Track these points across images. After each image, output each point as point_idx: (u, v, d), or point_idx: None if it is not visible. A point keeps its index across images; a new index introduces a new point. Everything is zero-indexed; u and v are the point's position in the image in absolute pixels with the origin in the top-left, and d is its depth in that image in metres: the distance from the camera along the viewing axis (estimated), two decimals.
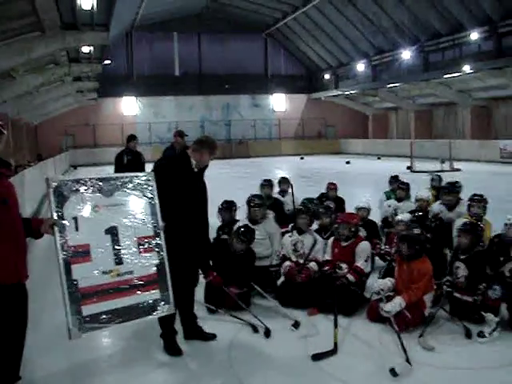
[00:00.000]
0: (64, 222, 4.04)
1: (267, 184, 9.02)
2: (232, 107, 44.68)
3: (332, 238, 6.78)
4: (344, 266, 6.37)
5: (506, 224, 5.99)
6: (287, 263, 6.77)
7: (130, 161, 10.58)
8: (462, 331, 5.45)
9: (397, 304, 5.53)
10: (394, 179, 9.90)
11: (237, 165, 33.18)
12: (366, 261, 6.46)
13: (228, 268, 6.38)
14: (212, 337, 5.51)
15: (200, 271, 5.80)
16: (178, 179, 5.05)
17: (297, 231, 6.91)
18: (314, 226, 7.69)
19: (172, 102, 42.87)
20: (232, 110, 44.68)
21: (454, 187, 8.07)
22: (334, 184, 9.74)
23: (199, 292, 5.80)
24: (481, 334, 5.30)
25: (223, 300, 6.27)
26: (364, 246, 6.53)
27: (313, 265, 6.61)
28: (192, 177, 5.16)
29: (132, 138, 11.13)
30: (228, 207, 7.94)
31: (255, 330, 5.65)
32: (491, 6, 27.44)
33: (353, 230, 6.59)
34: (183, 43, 43.13)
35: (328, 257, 6.65)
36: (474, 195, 7.38)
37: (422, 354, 5.06)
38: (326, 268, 6.52)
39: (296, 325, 5.73)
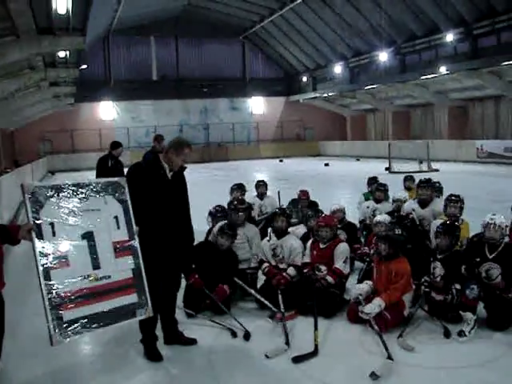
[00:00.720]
0: (41, 227, 4.02)
1: (237, 188, 9.01)
2: (210, 111, 44.63)
3: (310, 241, 6.79)
4: (323, 267, 6.38)
5: (487, 223, 5.95)
6: (266, 265, 6.77)
7: (113, 165, 10.54)
8: (441, 330, 5.49)
9: (376, 305, 5.56)
10: (373, 180, 9.94)
11: (216, 168, 33.17)
12: (344, 262, 6.46)
13: (212, 268, 6.38)
14: (192, 341, 5.49)
15: (182, 275, 5.80)
16: (149, 184, 5.02)
17: (275, 235, 6.90)
18: (302, 229, 7.73)
19: (150, 106, 42.71)
20: (210, 113, 44.63)
21: (430, 182, 8.11)
22: (305, 193, 9.40)
23: (179, 297, 5.77)
24: (461, 334, 5.35)
25: (203, 303, 6.26)
26: (342, 248, 6.53)
27: (290, 270, 6.58)
28: (163, 181, 5.11)
29: (118, 144, 11.08)
30: (222, 211, 7.92)
31: (234, 334, 5.64)
32: (465, 7, 27.76)
33: (333, 232, 6.62)
34: (160, 47, 43.03)
35: (307, 259, 6.65)
36: (451, 195, 7.42)
37: (401, 354, 5.08)
38: (305, 270, 6.53)
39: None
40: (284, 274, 6.53)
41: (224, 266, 6.50)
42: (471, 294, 5.59)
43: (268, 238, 7.00)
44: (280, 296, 6.20)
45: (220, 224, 6.94)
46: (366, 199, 9.37)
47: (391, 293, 5.69)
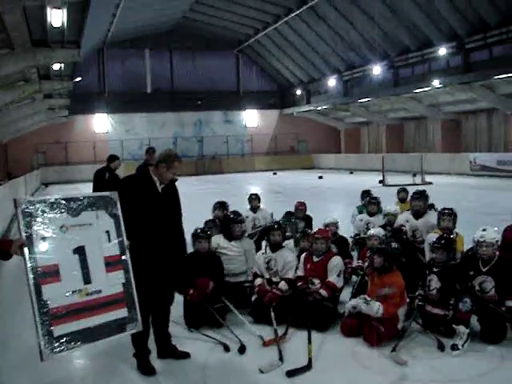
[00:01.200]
0: (33, 242, 4.02)
1: (219, 206, 8.99)
2: (204, 123, 44.68)
3: (304, 254, 6.78)
4: (317, 281, 6.39)
5: (478, 241, 5.97)
6: (258, 281, 6.76)
7: (110, 178, 10.48)
8: (435, 344, 5.48)
9: (375, 306, 5.57)
10: (366, 194, 9.96)
11: (209, 181, 33.14)
12: (338, 276, 6.45)
13: (198, 275, 6.39)
14: (185, 355, 5.46)
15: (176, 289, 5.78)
16: (139, 197, 5.02)
17: (270, 248, 6.89)
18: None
19: (144, 118, 42.73)
20: (204, 126, 44.68)
21: (424, 194, 8.14)
22: (303, 204, 9.59)
23: (175, 310, 5.74)
24: (455, 347, 5.34)
25: (204, 316, 6.25)
26: (336, 261, 6.52)
27: (282, 284, 6.56)
28: (154, 194, 5.11)
29: (115, 158, 11.06)
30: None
31: (227, 349, 5.60)
32: (458, 22, 27.96)
33: (328, 244, 6.63)
34: (155, 60, 43.11)
35: (300, 273, 6.64)
36: (444, 209, 7.44)
37: (395, 368, 5.08)
38: (299, 284, 6.52)
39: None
40: (274, 290, 6.52)
41: (209, 271, 6.51)
42: (464, 307, 5.60)
43: (263, 251, 6.99)
44: (272, 313, 6.17)
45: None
46: (360, 212, 9.38)
47: (389, 306, 5.69)
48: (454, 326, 5.56)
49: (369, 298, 5.70)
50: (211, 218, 8.79)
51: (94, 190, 9.81)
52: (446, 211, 7.36)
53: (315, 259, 6.56)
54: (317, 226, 7.80)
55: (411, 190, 8.89)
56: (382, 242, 6.70)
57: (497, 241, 5.88)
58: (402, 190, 9.82)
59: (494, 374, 4.96)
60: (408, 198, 9.43)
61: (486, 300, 5.73)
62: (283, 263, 6.70)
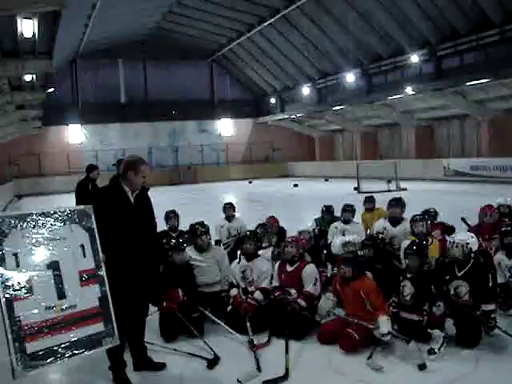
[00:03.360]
0: (4, 258, 3.96)
1: (173, 215, 8.94)
2: (179, 133, 44.54)
3: (278, 264, 6.78)
4: (293, 291, 6.38)
5: (448, 243, 6.11)
6: (234, 291, 6.74)
7: (93, 189, 10.36)
8: (411, 349, 5.49)
9: (386, 322, 5.58)
10: (328, 208, 9.67)
11: (184, 191, 33.02)
12: (314, 284, 6.44)
13: (169, 284, 6.38)
14: (162, 366, 5.42)
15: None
16: (112, 209, 4.96)
17: (245, 257, 6.87)
18: None
19: (118, 129, 42.46)
20: (179, 136, 44.53)
21: (401, 201, 8.20)
22: (275, 218, 9.37)
23: (150, 322, 5.69)
24: (431, 351, 5.36)
25: (180, 327, 6.21)
26: (310, 270, 6.50)
27: (257, 294, 6.56)
28: (126, 205, 5.06)
29: (94, 167, 10.96)
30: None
31: (210, 366, 5.47)
32: (429, 30, 28.30)
33: (300, 251, 6.62)
34: (128, 70, 42.91)
35: (276, 283, 6.63)
36: (414, 215, 7.55)
37: (371, 375, 5.09)
38: (276, 294, 6.51)
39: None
40: (249, 300, 6.51)
41: (182, 281, 6.50)
42: (438, 310, 5.65)
43: (238, 260, 6.97)
44: (248, 323, 6.15)
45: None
46: (318, 225, 9.22)
47: (381, 307, 5.75)
48: (429, 330, 5.59)
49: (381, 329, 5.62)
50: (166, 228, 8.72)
51: (78, 203, 9.69)
52: (417, 217, 7.47)
53: (289, 268, 6.54)
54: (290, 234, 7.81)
55: (386, 196, 8.94)
56: (349, 252, 6.76)
57: (467, 243, 5.93)
58: (368, 200, 9.74)
59: (469, 378, 5.00)
60: (376, 207, 9.53)
61: (461, 304, 5.78)
62: (258, 273, 6.69)
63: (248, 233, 7.23)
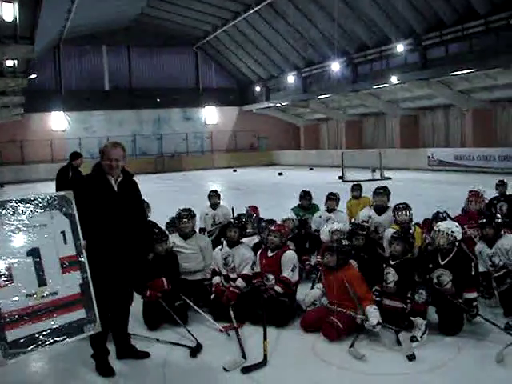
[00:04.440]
0: None
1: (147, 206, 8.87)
2: (163, 121, 44.29)
3: (260, 250, 6.79)
4: (271, 277, 6.41)
5: (433, 231, 6.14)
6: (216, 279, 6.74)
7: (73, 176, 10.29)
8: (394, 337, 5.52)
9: (374, 313, 5.58)
10: (305, 194, 9.62)
11: (169, 179, 32.91)
12: (292, 270, 6.43)
13: (155, 275, 6.35)
14: (145, 355, 5.40)
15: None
16: (94, 197, 4.91)
17: (227, 244, 6.85)
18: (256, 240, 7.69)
19: (102, 116, 42.11)
20: (163, 123, 44.27)
21: (386, 189, 8.22)
22: (255, 208, 9.37)
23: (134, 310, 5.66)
24: (413, 339, 5.39)
25: (164, 315, 6.21)
26: (289, 256, 6.50)
27: (239, 282, 6.56)
28: (109, 193, 5.01)
29: (78, 155, 10.89)
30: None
31: (193, 354, 5.46)
32: (415, 19, 28.33)
33: (282, 239, 6.62)
34: (113, 57, 42.54)
35: (258, 269, 6.65)
36: (398, 204, 7.59)
37: (353, 362, 5.11)
38: (255, 281, 6.54)
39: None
40: (231, 288, 6.51)
41: (165, 270, 6.49)
42: (420, 298, 5.70)
43: (220, 247, 6.95)
44: (231, 312, 6.15)
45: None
46: (296, 214, 9.07)
47: (367, 296, 5.77)
48: (411, 318, 5.62)
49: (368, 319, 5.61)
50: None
51: (58, 190, 9.61)
52: (400, 206, 7.51)
53: (269, 254, 6.56)
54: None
55: (370, 185, 8.95)
56: (332, 240, 6.79)
57: (452, 231, 5.96)
58: (356, 188, 9.75)
59: (450, 365, 5.04)
60: (362, 195, 9.55)
61: (444, 293, 5.81)
62: (240, 259, 6.69)
63: (232, 220, 7.23)
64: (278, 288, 6.32)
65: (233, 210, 9.10)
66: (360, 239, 7.05)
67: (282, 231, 6.69)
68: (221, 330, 5.91)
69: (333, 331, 5.60)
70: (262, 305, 6.08)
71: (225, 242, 6.96)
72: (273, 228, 6.72)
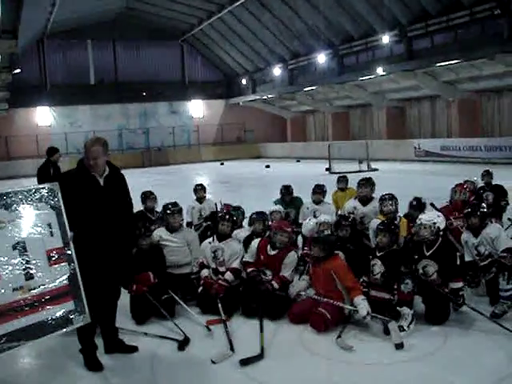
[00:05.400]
0: None
1: (153, 197, 8.88)
2: (150, 115, 44.06)
3: (259, 241, 6.70)
4: (269, 272, 6.40)
5: (416, 224, 6.19)
6: (204, 272, 6.72)
7: (55, 173, 10.24)
8: (381, 328, 5.56)
9: (363, 303, 5.61)
10: (285, 188, 9.57)
11: (156, 173, 32.78)
12: (292, 271, 6.47)
13: (141, 269, 6.35)
14: (133, 349, 5.40)
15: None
16: (79, 192, 4.89)
17: (217, 238, 6.84)
18: (245, 232, 7.68)
19: (88, 111, 41.83)
20: (150, 117, 44.06)
21: (370, 180, 8.24)
22: (228, 206, 9.30)
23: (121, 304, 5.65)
24: (400, 329, 5.42)
25: (151, 309, 6.21)
26: (292, 257, 6.48)
27: (228, 275, 6.52)
28: (95, 188, 4.99)
29: (55, 150, 10.82)
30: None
31: (181, 347, 5.47)
32: (400, 11, 28.34)
33: (291, 239, 6.64)
34: (98, 51, 42.26)
35: (250, 258, 6.60)
36: (384, 195, 7.61)
37: (341, 353, 5.15)
38: (250, 270, 6.50)
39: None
40: (220, 281, 6.49)
41: (151, 264, 6.49)
42: (406, 288, 5.75)
43: (210, 240, 6.92)
44: (220, 304, 6.13)
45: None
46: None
47: (355, 287, 5.80)
48: (398, 308, 5.66)
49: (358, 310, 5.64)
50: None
51: None
52: (386, 196, 7.53)
53: (271, 252, 6.49)
54: None
55: (357, 176, 8.97)
56: (317, 231, 6.81)
57: (434, 223, 6.00)
58: (342, 180, 9.73)
59: (437, 354, 5.08)
60: (347, 186, 9.57)
61: (429, 283, 5.86)
62: (230, 253, 6.68)
63: (224, 214, 7.18)
64: (275, 284, 6.30)
65: (216, 205, 9.10)
66: (345, 230, 7.05)
67: (285, 229, 6.59)
68: (206, 326, 5.89)
69: (321, 322, 5.63)
70: (257, 297, 6.07)
71: (213, 234, 6.93)
72: (285, 228, 6.58)
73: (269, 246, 6.54)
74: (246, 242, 7.14)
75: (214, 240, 6.86)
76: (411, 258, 6.05)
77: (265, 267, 6.45)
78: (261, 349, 5.18)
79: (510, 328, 5.32)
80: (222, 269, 6.66)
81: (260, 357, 5.09)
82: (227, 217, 6.95)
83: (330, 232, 6.73)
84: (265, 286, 6.28)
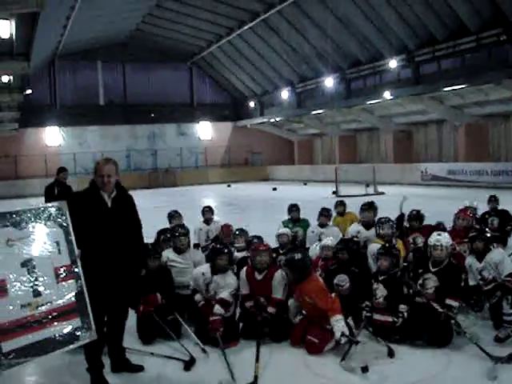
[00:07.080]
0: None
1: (177, 215, 9.05)
2: (158, 136, 44.35)
3: (245, 270, 6.61)
4: (262, 299, 6.35)
5: (434, 245, 6.21)
6: (199, 298, 6.53)
7: (60, 192, 10.39)
8: (385, 351, 5.58)
9: (340, 324, 5.61)
10: (293, 207, 9.67)
11: (163, 194, 32.86)
12: (284, 290, 6.40)
13: (148, 290, 6.37)
14: (139, 368, 5.44)
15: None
16: (87, 212, 4.97)
17: (211, 270, 6.52)
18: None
19: (97, 131, 42.14)
20: (158, 139, 44.34)
21: (372, 204, 8.31)
22: (229, 226, 9.39)
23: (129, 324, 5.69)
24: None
25: (158, 329, 6.24)
26: (279, 277, 6.39)
27: (217, 309, 6.19)
28: (103, 209, 5.06)
29: (62, 169, 11.07)
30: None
31: (187, 368, 5.49)
32: (407, 36, 28.62)
33: (272, 256, 6.65)
34: (108, 72, 42.69)
35: (245, 290, 6.53)
36: (380, 218, 7.70)
37: (344, 374, 5.17)
38: (248, 305, 6.46)
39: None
40: (213, 317, 6.14)
41: (159, 285, 6.51)
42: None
43: (203, 269, 6.65)
44: (219, 338, 5.94)
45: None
46: (286, 227, 8.95)
47: (332, 307, 5.78)
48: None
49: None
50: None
51: None
52: (383, 219, 7.61)
53: (258, 277, 6.46)
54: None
55: (364, 200, 9.03)
56: (320, 256, 6.86)
57: (451, 245, 6.09)
58: (339, 204, 9.80)
59: (441, 376, 5.11)
60: (346, 210, 9.65)
61: (424, 296, 5.99)
62: (223, 286, 6.43)
63: (222, 248, 6.86)
64: (271, 309, 6.28)
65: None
66: (344, 253, 6.92)
67: (267, 247, 6.62)
68: (204, 350, 5.86)
69: (313, 349, 5.70)
70: (257, 326, 6.07)
71: (208, 267, 6.66)
72: (260, 248, 6.56)
73: (255, 272, 6.49)
74: (239, 265, 7.17)
75: (207, 272, 6.58)
76: (416, 273, 6.21)
77: (259, 295, 6.38)
78: (254, 378, 5.10)
79: None
80: (213, 302, 6.39)
81: None
82: (225, 251, 6.72)
83: (295, 255, 6.54)
84: (261, 316, 6.22)
